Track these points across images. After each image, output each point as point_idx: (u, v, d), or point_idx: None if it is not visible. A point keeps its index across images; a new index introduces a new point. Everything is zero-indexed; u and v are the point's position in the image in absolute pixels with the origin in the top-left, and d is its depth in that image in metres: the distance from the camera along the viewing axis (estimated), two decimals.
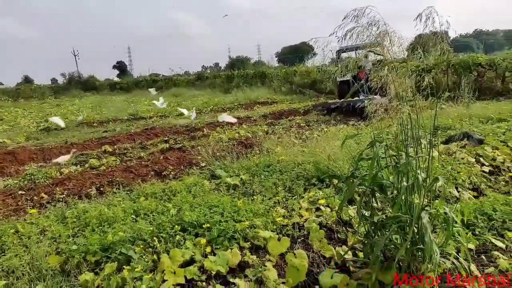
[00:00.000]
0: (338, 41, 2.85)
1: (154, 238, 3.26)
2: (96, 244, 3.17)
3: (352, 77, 13.36)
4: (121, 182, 5.35)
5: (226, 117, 10.32)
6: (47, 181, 5.81)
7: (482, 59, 14.79)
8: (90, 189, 5.21)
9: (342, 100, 12.67)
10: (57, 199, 4.86)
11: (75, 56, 51.46)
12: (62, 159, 6.96)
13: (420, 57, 2.76)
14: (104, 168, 6.38)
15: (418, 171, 2.88)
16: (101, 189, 5.22)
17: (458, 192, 4.40)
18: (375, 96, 3.14)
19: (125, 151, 7.64)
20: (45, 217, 3.98)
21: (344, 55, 15.02)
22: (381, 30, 2.72)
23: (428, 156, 2.89)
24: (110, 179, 5.55)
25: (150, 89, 15.84)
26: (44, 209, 4.53)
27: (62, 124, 11.56)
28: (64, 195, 5.04)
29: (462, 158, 5.19)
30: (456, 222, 2.95)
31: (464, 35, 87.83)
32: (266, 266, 2.99)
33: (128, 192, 4.86)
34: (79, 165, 6.83)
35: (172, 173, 5.70)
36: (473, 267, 2.92)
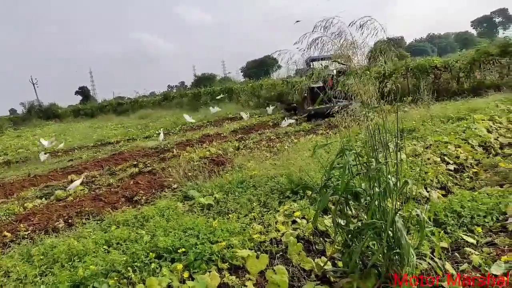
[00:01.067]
0: (303, 52, 2.89)
1: (129, 268, 3.13)
2: (66, 281, 3.01)
3: (322, 84, 13.87)
4: (91, 212, 5.15)
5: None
6: (9, 218, 5.51)
7: (437, 61, 15.48)
8: (58, 222, 4.98)
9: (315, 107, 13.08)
10: (21, 236, 4.61)
11: (33, 84, 49.64)
12: (75, 185, 6.61)
13: (382, 64, 2.85)
14: (72, 198, 6.13)
15: (389, 176, 2.94)
16: (70, 221, 5.00)
17: (428, 192, 4.52)
18: (343, 101, 3.19)
19: (93, 179, 7.39)
20: (8, 257, 3.76)
21: (315, 64, 15.27)
22: (346, 40, 2.79)
23: (396, 160, 2.96)
24: (79, 210, 5.34)
25: (186, 115, 15.93)
26: (8, 248, 4.28)
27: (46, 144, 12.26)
28: (29, 231, 4.79)
29: (428, 159, 5.36)
30: (427, 223, 3.02)
31: (419, 39, 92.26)
32: (246, 286, 2.93)
33: (98, 221, 4.68)
34: (44, 198, 6.53)
35: (143, 197, 5.55)
36: (448, 265, 2.98)
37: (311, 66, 14.97)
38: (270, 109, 16.53)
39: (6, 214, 5.72)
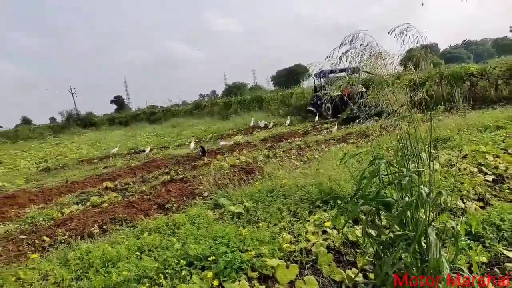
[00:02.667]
0: (332, 64, 2.90)
1: (160, 274, 3.19)
2: (101, 286, 3.10)
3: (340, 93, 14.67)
4: (124, 219, 5.29)
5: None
6: (48, 223, 5.75)
7: (473, 68, 14.97)
8: (93, 228, 5.15)
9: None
10: (59, 241, 4.79)
11: (72, 94, 52.07)
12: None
13: (413, 73, 2.80)
14: (106, 205, 6.33)
15: (421, 186, 2.87)
16: (104, 227, 5.16)
17: (464, 203, 4.35)
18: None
19: (127, 186, 7.61)
20: (47, 261, 3.91)
21: (331, 76, 16.19)
22: (374, 52, 2.77)
23: (429, 170, 2.88)
24: (113, 216, 5.49)
25: (260, 122, 17.74)
26: (46, 252, 4.46)
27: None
28: (66, 236, 4.97)
29: (464, 169, 5.16)
30: (463, 236, 2.90)
31: (454, 46, 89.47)
32: None
33: (131, 228, 4.80)
34: (80, 204, 6.77)
35: (175, 205, 5.65)
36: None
37: (329, 78, 16.05)
38: (288, 121, 17.24)
39: (45, 219, 5.97)
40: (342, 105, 15.31)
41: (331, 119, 16.13)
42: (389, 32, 2.70)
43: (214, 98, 47.07)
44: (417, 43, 2.70)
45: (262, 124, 17.35)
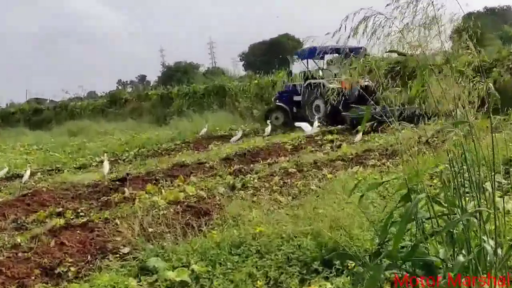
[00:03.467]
0: (345, 39, 1.86)
1: None
2: None
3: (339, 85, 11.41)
4: None
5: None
6: None
7: None
8: None
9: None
10: None
11: None
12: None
13: (472, 52, 1.83)
14: None
15: (484, 237, 1.95)
16: None
17: None
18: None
19: None
20: None
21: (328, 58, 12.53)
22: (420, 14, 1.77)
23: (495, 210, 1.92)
24: None
25: (301, 124, 11.04)
26: None
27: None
28: None
29: None
30: None
31: None
32: None
33: None
34: None
35: (72, 269, 3.86)
36: None
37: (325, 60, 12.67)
38: (268, 128, 11.56)
39: None
40: (346, 104, 10.49)
41: (330, 126, 11.46)
42: None
43: (143, 87, 31.19)
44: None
45: (237, 136, 11.14)
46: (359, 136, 8.74)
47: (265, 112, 14.20)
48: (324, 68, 13.67)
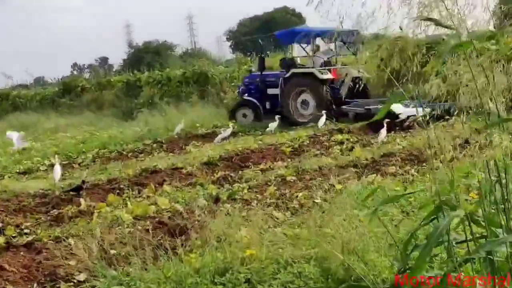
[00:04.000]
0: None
1: None
2: None
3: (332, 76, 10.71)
4: None
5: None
6: None
7: None
8: None
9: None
10: None
11: None
12: None
13: None
14: None
15: None
16: None
17: None
18: None
19: None
20: None
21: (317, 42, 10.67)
22: None
23: None
24: None
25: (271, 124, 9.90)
26: None
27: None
28: None
29: None
30: None
31: None
32: None
33: None
34: None
35: None
36: None
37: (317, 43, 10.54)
38: (274, 124, 9.99)
39: None
40: (334, 97, 9.82)
41: (319, 123, 9.65)
42: None
43: (104, 73, 26.48)
44: None
45: (223, 134, 9.48)
46: (383, 133, 7.38)
47: (229, 110, 12.07)
48: (315, 54, 11.45)
